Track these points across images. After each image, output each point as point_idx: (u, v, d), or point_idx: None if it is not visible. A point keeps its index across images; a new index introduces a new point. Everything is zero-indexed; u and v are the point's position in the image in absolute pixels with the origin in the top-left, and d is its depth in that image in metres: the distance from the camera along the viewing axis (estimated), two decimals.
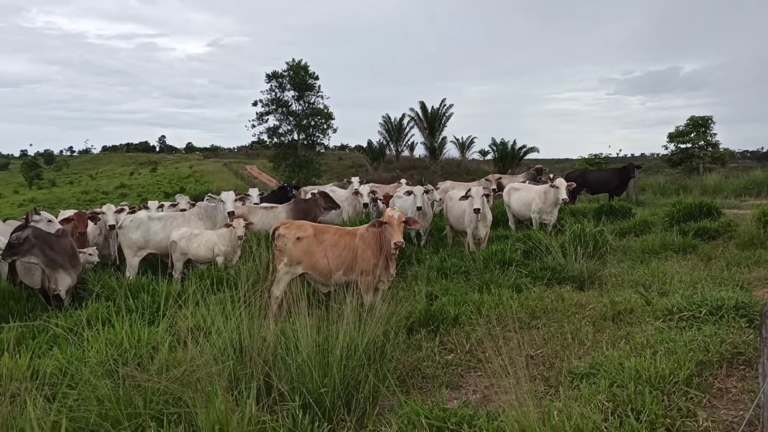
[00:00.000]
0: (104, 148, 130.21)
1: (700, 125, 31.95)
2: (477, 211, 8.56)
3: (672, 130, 33.14)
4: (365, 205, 10.90)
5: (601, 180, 15.64)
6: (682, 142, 32.70)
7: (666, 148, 34.52)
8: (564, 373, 4.14)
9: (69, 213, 10.69)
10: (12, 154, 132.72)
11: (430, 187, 10.51)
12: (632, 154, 77.58)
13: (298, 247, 6.08)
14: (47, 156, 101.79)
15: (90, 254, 8.15)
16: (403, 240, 5.65)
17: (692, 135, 32.25)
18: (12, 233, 6.65)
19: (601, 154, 36.83)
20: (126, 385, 3.60)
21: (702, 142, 32.02)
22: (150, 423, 3.30)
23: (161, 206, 11.37)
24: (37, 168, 78.59)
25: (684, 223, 9.84)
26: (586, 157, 36.48)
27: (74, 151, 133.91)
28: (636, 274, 7.14)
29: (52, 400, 3.73)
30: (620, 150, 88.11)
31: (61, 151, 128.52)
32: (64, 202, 45.31)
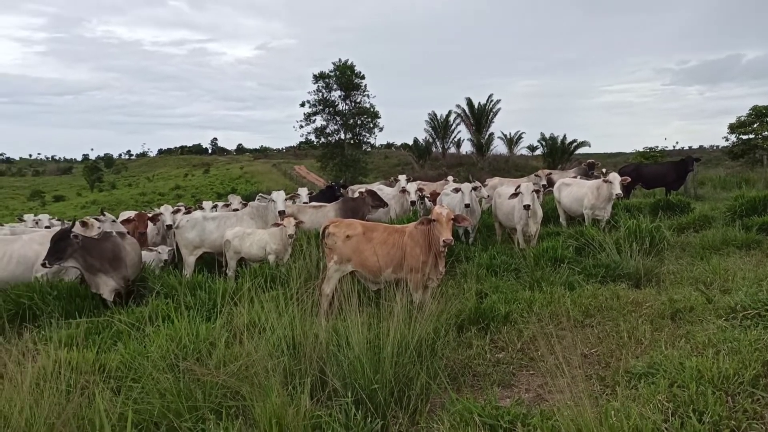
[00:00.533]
0: (160, 151, 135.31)
1: (763, 115, 30.29)
2: (527, 207, 8.42)
3: (733, 120, 31.58)
4: (412, 203, 10.89)
5: (657, 174, 15.07)
6: (744, 133, 31.08)
7: (727, 140, 32.95)
8: (621, 373, 4.03)
9: (129, 214, 11.19)
10: (75, 159, 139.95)
11: (477, 183, 10.42)
12: (690, 147, 74.39)
13: (347, 245, 6.15)
14: (107, 160, 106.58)
15: (159, 252, 8.52)
16: (452, 237, 5.61)
17: (755, 125, 30.60)
18: (53, 238, 6.67)
19: (657, 147, 35.45)
20: (186, 378, 3.74)
21: (766, 133, 30.36)
22: (209, 416, 3.42)
23: (215, 206, 11.72)
24: (98, 171, 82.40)
25: (747, 218, 9.37)
26: (641, 150, 35.14)
27: (132, 155, 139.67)
28: (696, 271, 6.86)
29: (117, 392, 3.92)
30: (677, 142, 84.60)
31: (120, 155, 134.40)
32: (123, 203, 47.36)
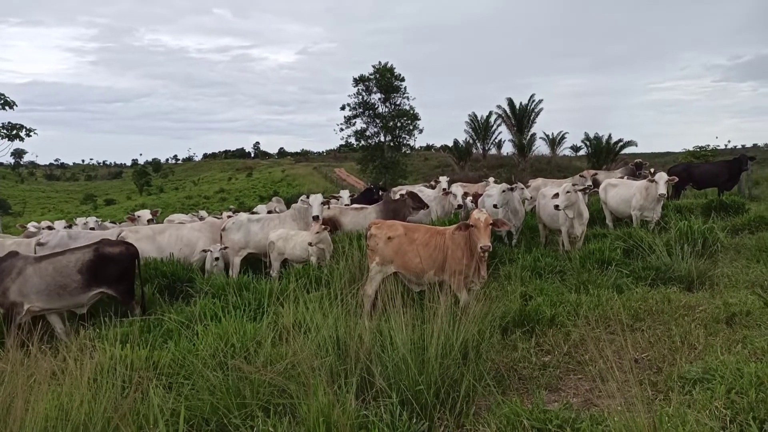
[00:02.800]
0: (205, 156, 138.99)
1: None
2: (556, 208, 8.23)
3: None
4: (459, 207, 10.63)
5: (709, 174, 14.50)
6: None
7: None
8: (674, 378, 3.91)
9: (179, 217, 11.58)
10: (125, 163, 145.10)
11: (520, 185, 10.25)
12: (743, 146, 71.38)
13: (389, 246, 6.16)
14: (155, 164, 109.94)
15: (211, 251, 8.78)
16: (489, 244, 5.49)
17: None
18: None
19: (708, 146, 33.84)
20: (234, 376, 3.83)
21: None
22: (258, 413, 3.49)
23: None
24: (147, 176, 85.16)
25: None
26: (691, 149, 33.87)
27: (178, 159, 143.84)
28: (752, 274, 6.59)
29: (169, 389, 4.04)
30: (729, 141, 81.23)
31: (167, 159, 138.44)
32: (171, 206, 48.76)
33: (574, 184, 8.77)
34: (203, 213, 14.70)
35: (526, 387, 4.34)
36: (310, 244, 8.14)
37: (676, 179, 9.89)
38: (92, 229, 11.14)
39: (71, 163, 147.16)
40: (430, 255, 5.99)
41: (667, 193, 9.65)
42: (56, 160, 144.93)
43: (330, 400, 3.33)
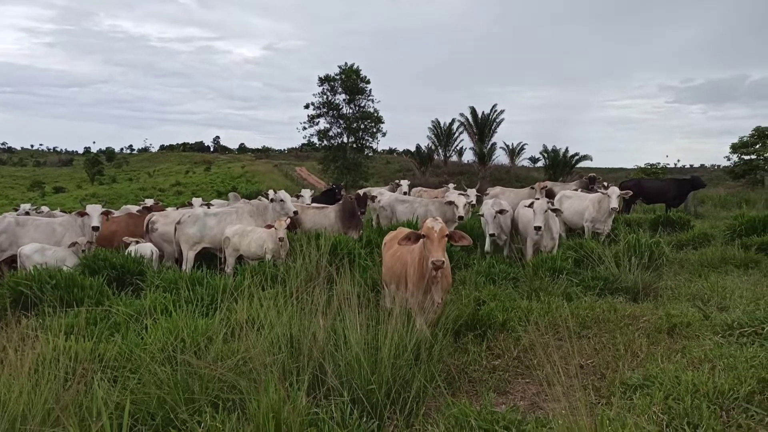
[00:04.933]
0: (162, 147, 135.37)
1: (766, 136, 30.37)
2: (538, 229, 8.13)
3: (735, 140, 31.67)
4: (460, 218, 9.66)
5: (658, 190, 15.14)
6: (746, 154, 31.13)
7: (728, 160, 32.96)
8: (616, 384, 4.05)
9: (131, 208, 11.27)
10: (76, 151, 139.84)
11: (503, 204, 9.85)
12: (691, 165, 74.44)
13: (385, 254, 6.06)
14: (108, 153, 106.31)
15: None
16: (443, 258, 4.68)
17: (757, 146, 30.67)
18: None
19: (659, 163, 35.37)
20: (183, 371, 3.76)
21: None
22: (206, 408, 3.43)
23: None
24: (99, 165, 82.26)
25: (746, 237, 9.43)
26: (642, 166, 35.25)
27: (134, 150, 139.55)
28: (694, 287, 6.89)
29: (114, 382, 3.93)
30: (678, 160, 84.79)
31: (122, 149, 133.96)
32: (123, 197, 47.31)
33: (549, 202, 8.70)
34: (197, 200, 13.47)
35: (476, 389, 4.42)
36: (280, 239, 8.09)
37: (630, 193, 10.26)
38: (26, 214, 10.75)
39: (19, 148, 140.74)
40: (392, 267, 5.50)
41: (619, 207, 9.99)
42: (3, 144, 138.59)
43: (281, 396, 3.31)
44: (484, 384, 4.46)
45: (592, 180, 14.66)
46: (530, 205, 8.60)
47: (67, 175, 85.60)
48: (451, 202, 9.94)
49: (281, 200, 9.29)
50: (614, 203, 9.56)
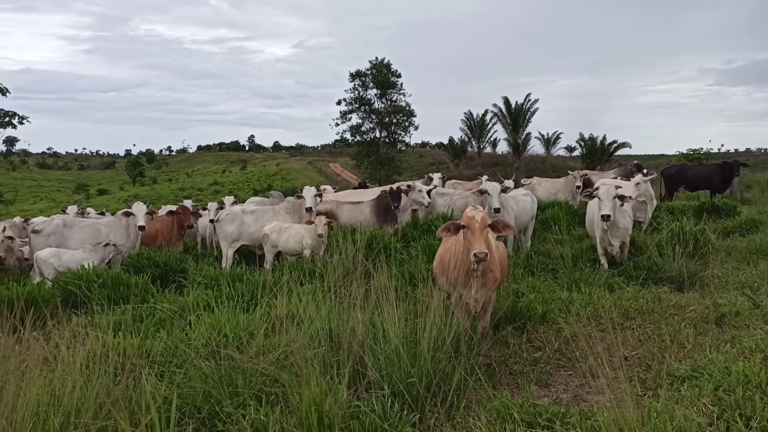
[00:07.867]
0: (199, 148, 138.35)
1: None
2: (605, 218, 6.90)
3: None
4: (496, 210, 8.43)
5: (702, 176, 14.62)
6: None
7: None
8: (663, 375, 3.95)
9: (171, 208, 11.56)
10: (118, 154, 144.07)
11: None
12: (736, 150, 71.88)
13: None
14: (149, 155, 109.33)
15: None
16: (485, 250, 4.30)
17: None
18: None
19: (701, 149, 34.02)
20: (227, 365, 3.84)
21: None
22: (250, 401, 3.50)
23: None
24: (140, 166, 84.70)
25: None
26: (684, 152, 34.05)
27: (172, 151, 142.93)
28: (742, 275, 6.64)
29: (161, 377, 4.04)
30: (722, 145, 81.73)
31: (161, 151, 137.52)
32: (164, 198, 48.53)
33: (617, 187, 7.27)
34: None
35: (517, 382, 4.38)
36: (320, 235, 8.18)
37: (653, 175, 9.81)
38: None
39: (64, 152, 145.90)
40: (441, 259, 5.15)
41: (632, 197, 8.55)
42: (49, 149, 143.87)
43: (322, 389, 3.34)
44: (525, 377, 4.41)
45: (639, 167, 14.15)
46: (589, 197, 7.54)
47: (110, 178, 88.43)
48: (483, 191, 9.14)
49: (302, 197, 9.30)
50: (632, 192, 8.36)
